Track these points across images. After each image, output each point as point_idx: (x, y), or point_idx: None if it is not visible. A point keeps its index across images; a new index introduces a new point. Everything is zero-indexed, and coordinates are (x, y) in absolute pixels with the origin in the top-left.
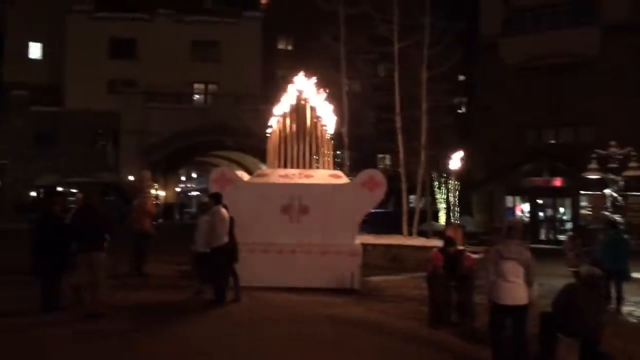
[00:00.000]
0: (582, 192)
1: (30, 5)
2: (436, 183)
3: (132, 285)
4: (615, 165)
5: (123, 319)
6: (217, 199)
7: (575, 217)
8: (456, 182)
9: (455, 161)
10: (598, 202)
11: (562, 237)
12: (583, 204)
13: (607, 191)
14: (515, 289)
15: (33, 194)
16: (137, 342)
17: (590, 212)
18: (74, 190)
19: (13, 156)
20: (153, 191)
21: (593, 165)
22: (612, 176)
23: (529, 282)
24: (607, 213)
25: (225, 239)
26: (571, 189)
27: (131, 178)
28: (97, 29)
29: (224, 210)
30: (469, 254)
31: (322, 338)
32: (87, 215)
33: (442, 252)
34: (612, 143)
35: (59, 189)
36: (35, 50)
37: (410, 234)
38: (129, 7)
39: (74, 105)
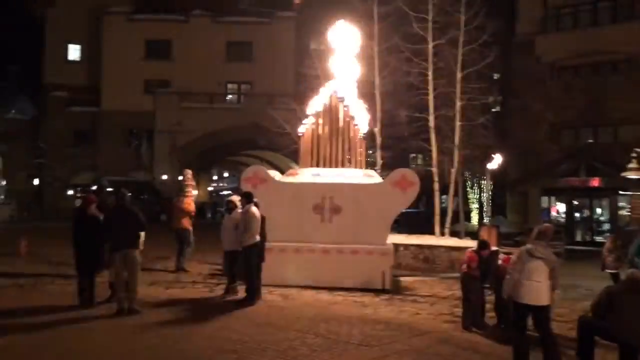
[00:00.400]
0: (621, 192)
1: (69, 7)
2: (469, 183)
3: (166, 282)
4: None
5: (155, 315)
6: (248, 198)
7: (613, 218)
8: (490, 182)
9: (494, 162)
10: (638, 203)
11: (599, 239)
12: (621, 204)
13: None
14: (538, 289)
15: (70, 192)
16: (166, 339)
17: (630, 213)
18: (110, 189)
19: (52, 155)
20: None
21: (633, 165)
22: None
23: (553, 285)
24: None
25: (258, 237)
26: (609, 189)
27: (164, 177)
28: (133, 30)
29: (255, 209)
30: (504, 254)
31: (353, 338)
32: (120, 213)
33: (477, 253)
34: None
35: (96, 187)
36: (74, 52)
37: (442, 234)
38: (165, 9)
39: (111, 106)
